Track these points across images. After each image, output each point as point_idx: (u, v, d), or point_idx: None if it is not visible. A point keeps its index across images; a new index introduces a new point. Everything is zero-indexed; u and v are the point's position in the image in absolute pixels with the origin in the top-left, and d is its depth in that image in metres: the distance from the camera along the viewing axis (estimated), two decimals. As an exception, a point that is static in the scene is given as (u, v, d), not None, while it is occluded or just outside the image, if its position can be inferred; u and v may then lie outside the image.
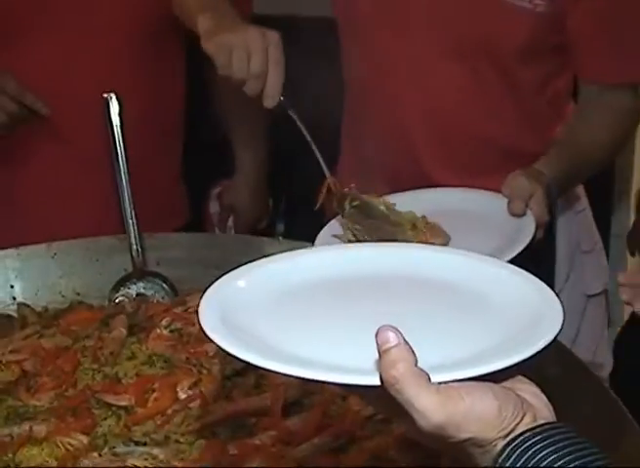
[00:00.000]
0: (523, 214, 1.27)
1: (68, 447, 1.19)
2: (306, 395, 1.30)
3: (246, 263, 0.85)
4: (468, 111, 1.57)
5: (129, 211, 1.59)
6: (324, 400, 1.28)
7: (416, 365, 0.70)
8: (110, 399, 1.31)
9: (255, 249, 1.61)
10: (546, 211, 1.30)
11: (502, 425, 0.70)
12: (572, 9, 1.48)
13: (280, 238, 1.61)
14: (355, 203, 1.27)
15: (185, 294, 1.59)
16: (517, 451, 0.69)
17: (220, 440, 1.21)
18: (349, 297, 0.89)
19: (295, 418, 1.25)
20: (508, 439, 0.70)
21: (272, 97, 1.32)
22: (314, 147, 1.37)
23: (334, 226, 1.34)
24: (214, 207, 2.03)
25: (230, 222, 2.07)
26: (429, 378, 0.70)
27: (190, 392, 1.32)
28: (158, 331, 1.48)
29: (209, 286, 0.87)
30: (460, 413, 0.69)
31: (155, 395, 1.30)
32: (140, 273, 1.62)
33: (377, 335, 0.71)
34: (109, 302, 1.61)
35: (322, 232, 1.32)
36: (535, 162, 1.56)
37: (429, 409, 0.68)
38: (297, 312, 0.87)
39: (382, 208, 1.27)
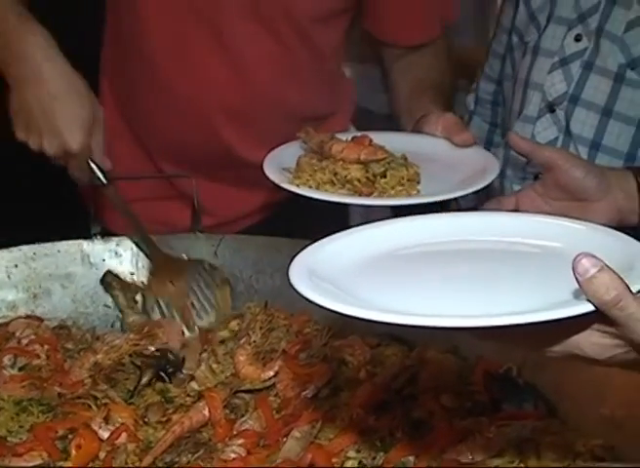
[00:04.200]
0: (472, 144, 1.35)
1: None
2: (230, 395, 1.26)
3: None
4: (274, 81, 1.57)
5: None
6: (261, 394, 1.26)
7: (623, 280, 0.77)
8: (18, 462, 1.14)
9: (71, 255, 1.48)
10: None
11: None
12: None
13: (98, 237, 1.48)
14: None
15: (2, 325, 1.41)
16: None
17: (191, 466, 1.13)
18: (436, 262, 0.93)
19: (245, 420, 1.21)
20: None
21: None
22: None
23: (280, 157, 1.30)
24: None
25: None
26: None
27: (110, 427, 1.19)
28: (5, 372, 1.31)
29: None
30: None
31: (75, 442, 1.16)
32: None
33: (574, 267, 0.76)
34: None
35: (268, 160, 1.29)
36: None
37: None
38: (386, 275, 0.90)
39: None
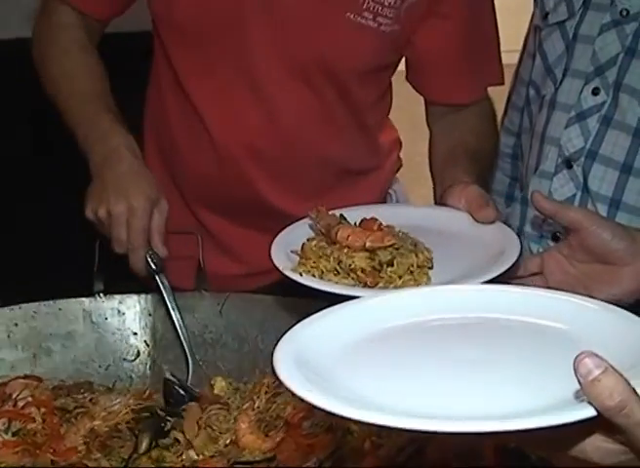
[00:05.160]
0: (494, 221, 1.28)
1: None
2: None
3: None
4: (309, 131, 1.54)
5: None
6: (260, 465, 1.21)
7: (629, 383, 0.71)
8: None
9: (72, 313, 1.45)
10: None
11: None
12: (418, 30, 1.50)
13: (101, 295, 1.44)
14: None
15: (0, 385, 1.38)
16: None
17: None
18: (431, 343, 0.87)
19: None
20: None
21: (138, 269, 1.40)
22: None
23: (289, 237, 1.25)
24: None
25: None
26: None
27: (101, 501, 1.15)
28: (-1, 437, 1.27)
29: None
30: None
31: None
32: None
33: (576, 368, 0.70)
34: None
35: (277, 241, 1.24)
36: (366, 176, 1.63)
37: None
38: (377, 360, 0.84)
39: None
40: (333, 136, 1.57)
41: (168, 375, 1.35)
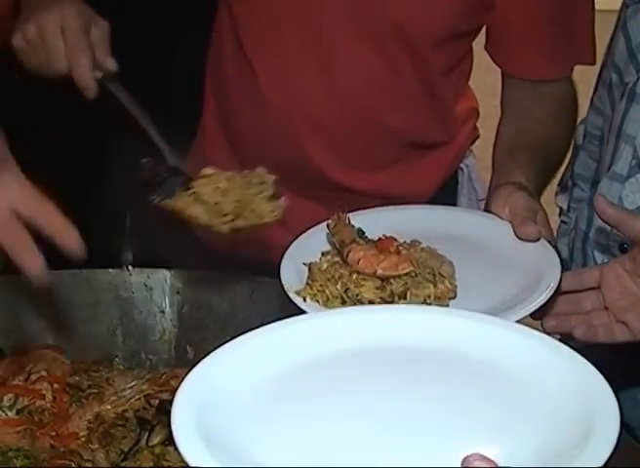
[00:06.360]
0: (538, 239, 1.13)
1: None
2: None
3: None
4: (372, 100, 1.42)
5: None
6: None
7: None
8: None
9: (99, 284, 1.38)
10: (552, 233, 1.18)
11: None
12: None
13: (130, 267, 1.37)
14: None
15: (17, 355, 1.33)
16: None
17: None
18: (350, 385, 0.76)
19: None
20: None
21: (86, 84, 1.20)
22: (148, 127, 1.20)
23: (305, 245, 1.15)
24: None
25: None
26: None
27: (87, 496, 1.09)
28: (1, 414, 1.22)
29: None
30: None
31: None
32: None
33: None
34: None
35: (291, 249, 1.13)
36: (435, 153, 1.50)
37: None
38: (292, 408, 0.74)
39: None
40: (399, 106, 1.44)
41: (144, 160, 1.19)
